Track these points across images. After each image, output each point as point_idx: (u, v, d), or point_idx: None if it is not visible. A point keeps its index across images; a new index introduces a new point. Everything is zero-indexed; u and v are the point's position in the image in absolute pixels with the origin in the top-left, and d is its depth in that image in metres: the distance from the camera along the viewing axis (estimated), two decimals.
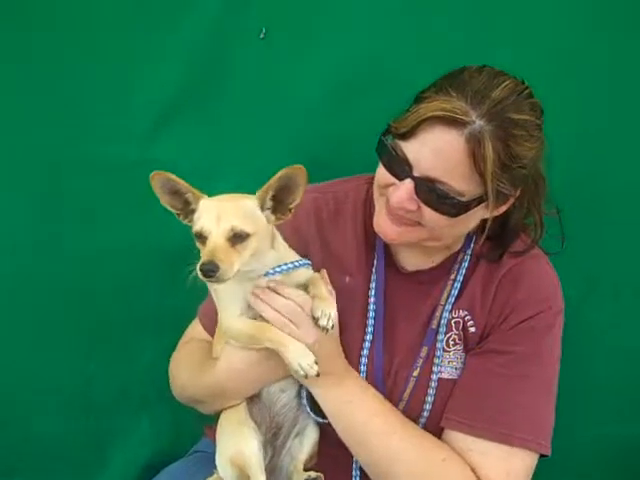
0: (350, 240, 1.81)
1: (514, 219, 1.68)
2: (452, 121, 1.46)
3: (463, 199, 1.53)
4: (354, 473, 1.77)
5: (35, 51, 2.11)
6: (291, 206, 1.56)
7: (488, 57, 1.61)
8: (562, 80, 2.02)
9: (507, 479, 1.62)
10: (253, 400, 1.72)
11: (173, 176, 1.52)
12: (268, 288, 1.60)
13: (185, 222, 1.57)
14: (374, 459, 1.66)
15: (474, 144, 1.46)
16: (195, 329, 1.96)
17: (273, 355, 1.60)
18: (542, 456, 1.67)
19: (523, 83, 1.56)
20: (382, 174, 1.61)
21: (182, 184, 1.53)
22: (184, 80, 2.15)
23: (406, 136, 1.52)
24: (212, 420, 1.82)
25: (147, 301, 2.30)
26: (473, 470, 1.62)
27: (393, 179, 1.58)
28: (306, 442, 1.74)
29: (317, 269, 1.72)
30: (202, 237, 1.48)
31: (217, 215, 1.48)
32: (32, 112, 2.14)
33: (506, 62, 1.59)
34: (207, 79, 2.15)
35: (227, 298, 1.64)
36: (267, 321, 1.60)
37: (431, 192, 1.53)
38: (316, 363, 1.53)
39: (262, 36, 2.10)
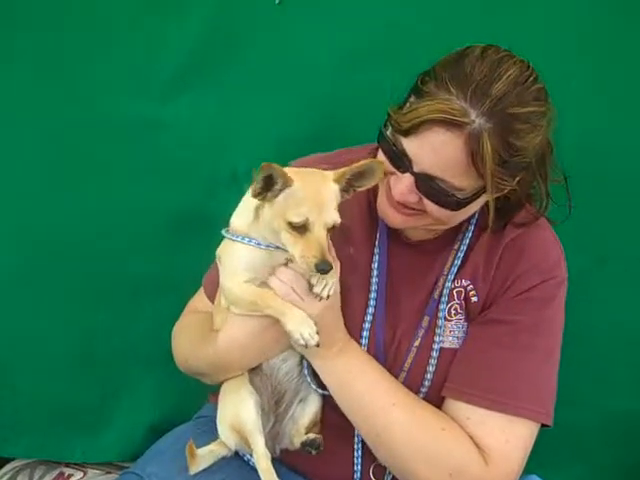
0: (354, 211, 1.79)
1: (519, 192, 1.64)
2: (451, 123, 1.43)
3: (463, 195, 1.53)
4: (356, 440, 1.78)
5: (52, 11, 2.11)
6: (358, 190, 1.55)
7: (502, 26, 1.59)
8: (574, 46, 2.01)
9: (506, 447, 1.62)
10: (254, 370, 1.72)
11: (277, 165, 1.46)
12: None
13: (258, 199, 1.51)
14: (374, 430, 1.66)
15: (473, 144, 1.44)
16: (199, 299, 1.97)
17: (274, 327, 1.59)
18: (545, 426, 1.67)
19: (528, 68, 1.50)
20: (384, 161, 1.59)
21: (280, 171, 1.46)
22: (200, 43, 2.15)
23: (405, 133, 1.50)
24: (216, 387, 1.84)
25: (154, 262, 2.31)
26: (472, 439, 1.62)
27: (394, 169, 1.57)
28: (308, 409, 1.74)
29: None
30: (302, 228, 1.46)
31: (318, 205, 1.46)
32: (46, 71, 2.15)
33: (517, 29, 1.55)
34: (223, 42, 2.14)
35: (235, 264, 1.62)
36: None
37: (431, 188, 1.52)
38: (317, 333, 1.52)
39: (278, 1, 2.08)
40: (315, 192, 1.48)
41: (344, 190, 1.54)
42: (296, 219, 1.45)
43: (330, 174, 1.53)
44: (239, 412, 1.66)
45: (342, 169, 1.52)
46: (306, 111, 2.16)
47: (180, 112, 2.19)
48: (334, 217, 1.48)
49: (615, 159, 2.10)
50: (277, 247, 1.57)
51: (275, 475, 1.63)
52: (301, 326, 1.52)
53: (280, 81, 2.16)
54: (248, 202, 1.60)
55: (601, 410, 2.29)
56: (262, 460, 1.63)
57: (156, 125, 2.19)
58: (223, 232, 1.65)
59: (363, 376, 1.67)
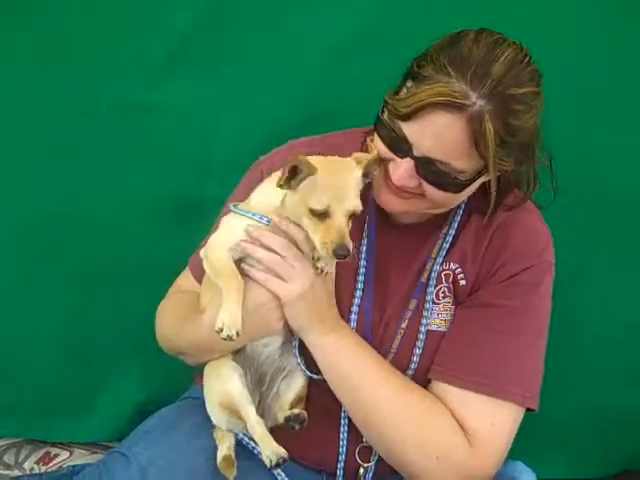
0: None
1: (507, 175, 1.65)
2: (452, 105, 1.44)
3: (464, 177, 1.54)
4: (342, 422, 1.79)
5: None
6: (375, 174, 1.59)
7: (496, 16, 1.59)
8: (562, 38, 2.02)
9: (491, 430, 1.63)
10: (237, 352, 1.73)
11: (303, 157, 1.50)
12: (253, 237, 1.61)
13: (283, 188, 1.54)
14: (363, 409, 1.68)
15: (474, 126, 1.44)
16: (185, 279, 1.97)
17: (257, 313, 1.62)
18: (530, 410, 1.68)
19: (522, 49, 1.51)
20: (381, 148, 1.60)
21: (305, 161, 1.50)
22: (193, 28, 2.15)
23: (405, 118, 1.50)
24: (201, 369, 1.83)
25: (143, 247, 2.32)
26: (458, 422, 1.63)
27: (392, 154, 1.57)
28: (293, 385, 1.75)
29: None
30: (323, 214, 1.49)
31: (339, 193, 1.49)
32: (38, 55, 2.15)
33: (512, 20, 1.57)
34: (216, 25, 2.14)
35: (229, 230, 1.65)
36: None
37: (432, 171, 1.53)
38: (237, 334, 1.53)
39: None
40: (337, 180, 1.51)
41: (364, 175, 1.56)
42: (317, 206, 1.48)
43: (352, 162, 1.55)
44: (225, 387, 1.67)
45: (364, 157, 1.55)
46: (299, 98, 2.17)
47: (171, 97, 2.19)
48: (355, 204, 1.51)
49: (606, 157, 2.11)
50: None
51: (272, 439, 1.61)
52: (228, 316, 1.53)
53: (274, 68, 2.16)
54: (273, 186, 1.60)
55: (588, 402, 2.32)
56: (257, 427, 1.63)
57: (147, 110, 2.19)
58: (232, 207, 1.67)
59: (354, 355, 1.68)
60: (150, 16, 2.13)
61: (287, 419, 1.69)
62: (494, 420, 1.63)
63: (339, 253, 1.47)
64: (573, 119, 2.03)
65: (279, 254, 1.59)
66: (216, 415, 1.72)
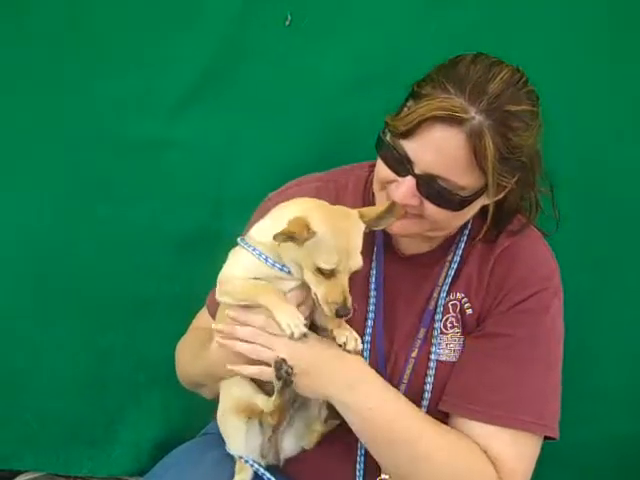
0: None
1: (510, 200, 1.68)
2: (452, 119, 1.48)
3: (465, 193, 1.56)
4: (358, 453, 1.78)
5: (62, 28, 2.17)
6: (373, 228, 1.61)
7: (503, 52, 1.62)
8: (560, 60, 2.05)
9: (514, 461, 1.62)
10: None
11: (294, 226, 1.51)
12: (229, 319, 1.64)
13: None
14: (400, 462, 1.64)
15: (475, 140, 1.48)
16: (203, 317, 2.00)
17: None
18: (551, 439, 1.68)
19: (518, 71, 1.56)
20: (383, 170, 1.63)
21: (299, 230, 1.48)
22: (208, 63, 2.19)
23: (406, 135, 1.53)
24: None
25: (160, 281, 2.36)
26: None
27: (394, 175, 1.60)
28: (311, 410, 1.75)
29: None
30: (329, 272, 1.49)
31: (347, 252, 1.49)
32: (53, 88, 2.20)
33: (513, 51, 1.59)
34: (230, 63, 2.19)
35: (239, 269, 1.66)
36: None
37: (433, 188, 1.55)
38: (305, 325, 1.55)
39: (287, 23, 2.12)
40: (346, 239, 1.51)
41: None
42: (326, 266, 1.48)
43: (356, 214, 1.56)
44: (237, 392, 1.70)
45: (367, 212, 1.57)
46: (314, 132, 2.20)
47: (187, 132, 2.23)
48: (359, 262, 1.52)
49: (617, 177, 2.12)
50: (287, 271, 1.60)
51: None
52: (288, 317, 1.54)
53: (288, 102, 2.20)
54: (274, 223, 1.60)
55: (603, 432, 2.29)
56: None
57: (162, 145, 2.24)
58: (239, 239, 1.69)
59: (384, 409, 1.62)
60: (166, 52, 2.18)
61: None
62: (515, 450, 1.62)
63: (341, 313, 1.49)
64: (581, 138, 2.06)
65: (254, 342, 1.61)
66: (233, 423, 1.72)
